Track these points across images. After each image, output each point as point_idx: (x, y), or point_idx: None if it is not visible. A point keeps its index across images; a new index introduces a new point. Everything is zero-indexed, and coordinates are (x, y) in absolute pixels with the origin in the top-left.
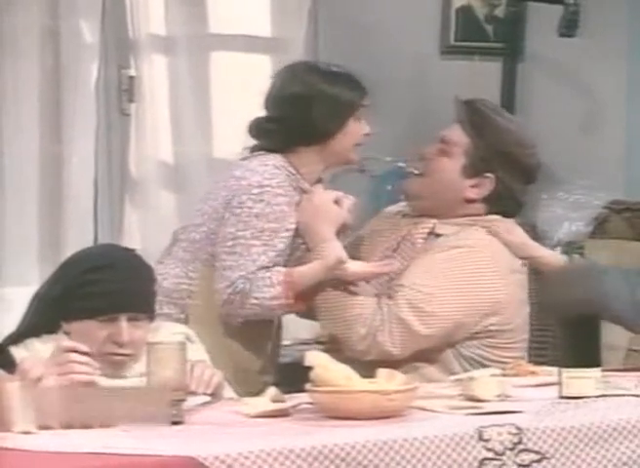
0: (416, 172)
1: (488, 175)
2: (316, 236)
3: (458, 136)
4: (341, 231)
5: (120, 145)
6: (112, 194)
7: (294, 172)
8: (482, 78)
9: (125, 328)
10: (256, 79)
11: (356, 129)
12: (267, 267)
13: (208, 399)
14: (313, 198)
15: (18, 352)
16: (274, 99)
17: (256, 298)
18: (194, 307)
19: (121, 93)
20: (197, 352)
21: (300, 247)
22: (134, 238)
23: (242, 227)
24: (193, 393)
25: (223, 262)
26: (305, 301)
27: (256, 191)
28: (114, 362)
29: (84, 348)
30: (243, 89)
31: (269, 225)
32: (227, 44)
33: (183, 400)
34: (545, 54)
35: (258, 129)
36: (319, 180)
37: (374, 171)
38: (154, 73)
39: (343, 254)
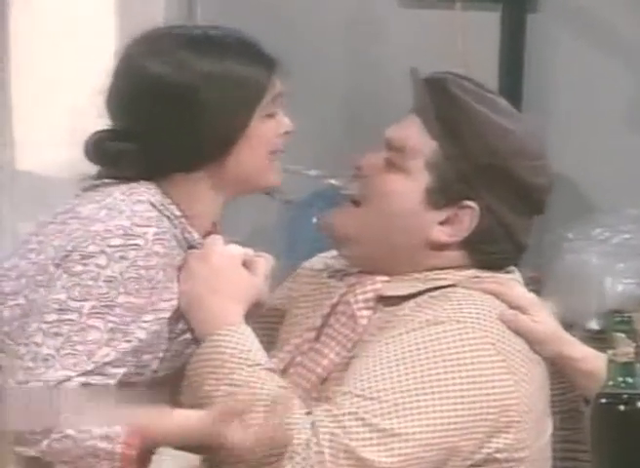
0: (352, 196)
1: (468, 202)
2: (211, 320)
3: (416, 137)
4: (254, 312)
5: None
6: None
7: (177, 212)
8: (469, 37)
9: None
10: (90, 42)
11: (268, 128)
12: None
13: None
14: (209, 257)
15: None
16: (121, 98)
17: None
18: None
19: None
20: None
21: (179, 337)
22: None
23: (79, 295)
24: None
25: (36, 348)
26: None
27: (116, 242)
28: None
29: None
30: (68, 59)
31: (128, 300)
32: None
33: None
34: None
35: (99, 151)
36: (213, 226)
37: (290, 194)
38: None
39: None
